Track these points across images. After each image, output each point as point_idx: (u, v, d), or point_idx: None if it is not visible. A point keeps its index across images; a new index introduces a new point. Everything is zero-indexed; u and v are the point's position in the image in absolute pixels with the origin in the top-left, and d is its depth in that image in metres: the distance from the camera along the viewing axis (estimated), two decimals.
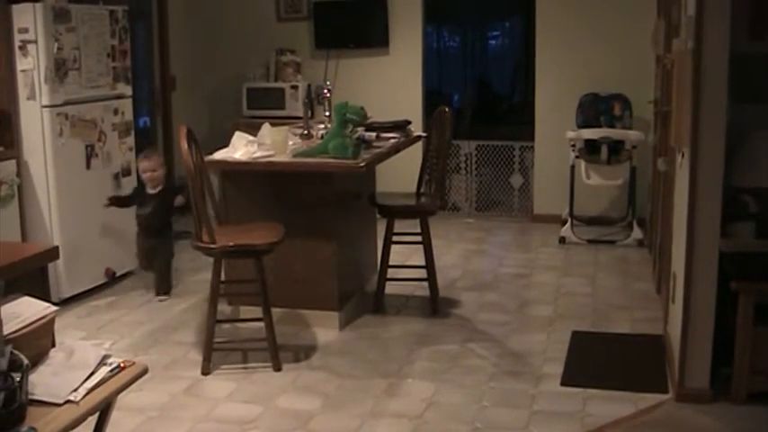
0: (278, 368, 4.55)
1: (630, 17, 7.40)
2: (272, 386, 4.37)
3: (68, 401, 2.61)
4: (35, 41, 5.36)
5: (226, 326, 5.06)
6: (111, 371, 2.85)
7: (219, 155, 5.05)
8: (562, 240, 7.21)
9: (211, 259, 4.54)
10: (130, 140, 6.27)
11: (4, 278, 3.02)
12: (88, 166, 5.80)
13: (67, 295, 5.62)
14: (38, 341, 2.76)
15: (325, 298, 5.14)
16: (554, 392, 4.26)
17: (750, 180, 4.10)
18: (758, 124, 4.14)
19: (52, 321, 2.85)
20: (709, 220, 3.93)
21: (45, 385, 2.63)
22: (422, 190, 5.82)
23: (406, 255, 6.09)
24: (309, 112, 6.04)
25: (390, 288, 5.55)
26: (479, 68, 13.39)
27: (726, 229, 4.01)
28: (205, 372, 4.52)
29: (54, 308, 2.88)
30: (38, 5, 5.34)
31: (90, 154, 5.80)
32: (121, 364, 2.91)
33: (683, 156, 4.23)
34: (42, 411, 2.54)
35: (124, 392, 2.98)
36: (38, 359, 2.74)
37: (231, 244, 4.42)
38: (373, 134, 5.46)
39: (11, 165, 5.45)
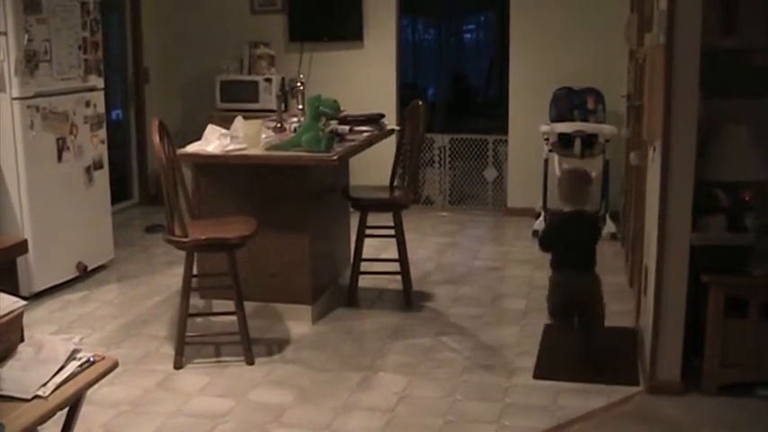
0: (251, 362, 4.54)
1: (604, 11, 7.43)
2: (245, 380, 4.36)
3: (37, 397, 2.60)
4: (5, 33, 5.30)
5: (198, 320, 5.03)
6: (81, 365, 2.84)
7: (192, 148, 5.03)
8: (536, 234, 7.21)
9: (184, 253, 4.52)
10: (102, 133, 6.22)
11: None
12: (59, 159, 5.75)
13: (39, 289, 5.57)
14: (6, 336, 2.74)
15: (298, 291, 5.13)
16: (526, 385, 4.28)
17: (721, 174, 4.12)
18: (729, 119, 4.16)
19: (21, 316, 2.84)
20: (680, 214, 3.96)
21: (13, 380, 2.62)
22: (395, 183, 5.82)
23: (379, 248, 6.08)
24: (283, 106, 6.04)
25: (364, 281, 5.55)
26: (454, 62, 13.39)
27: (697, 222, 4.04)
28: (177, 366, 4.50)
29: (23, 302, 2.86)
30: None
31: (61, 147, 5.75)
32: (92, 359, 2.89)
33: (654, 150, 4.25)
34: (10, 407, 2.52)
35: (96, 387, 2.97)
36: (6, 354, 2.72)
37: (203, 238, 4.40)
38: (347, 127, 5.45)
39: None
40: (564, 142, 7.09)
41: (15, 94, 5.38)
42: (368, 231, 5.43)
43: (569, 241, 4.50)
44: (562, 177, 4.80)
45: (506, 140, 8.07)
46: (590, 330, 4.46)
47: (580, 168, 5.03)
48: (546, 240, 4.68)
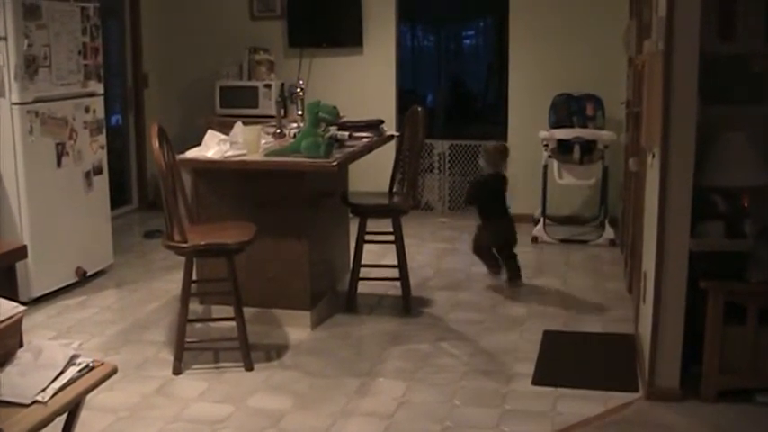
0: (249, 368, 4.54)
1: (603, 18, 7.45)
2: (244, 386, 4.35)
3: (36, 402, 2.60)
4: (5, 38, 5.31)
5: (197, 325, 5.04)
6: (80, 371, 2.84)
7: (191, 153, 5.03)
8: (535, 240, 7.24)
9: (183, 258, 4.52)
10: (102, 139, 6.23)
11: None
12: (59, 165, 5.75)
13: (38, 294, 5.57)
14: (5, 341, 2.74)
15: (297, 297, 5.13)
16: (525, 391, 4.28)
17: (719, 180, 4.12)
18: (727, 125, 4.17)
19: (20, 321, 2.84)
20: (679, 220, 3.96)
21: (12, 386, 2.62)
22: (394, 189, 5.83)
23: (378, 254, 6.08)
24: (282, 111, 6.04)
25: (363, 287, 5.55)
26: (453, 68, 13.40)
27: (695, 228, 4.04)
28: (176, 371, 4.50)
29: (22, 307, 2.86)
30: (8, 1, 5.28)
31: (61, 152, 5.76)
32: (91, 364, 2.89)
33: (653, 156, 4.25)
34: (9, 412, 2.52)
35: (94, 392, 2.97)
36: (5, 359, 2.72)
37: (202, 243, 4.40)
38: (346, 133, 5.46)
39: None
40: (563, 148, 7.11)
41: (15, 99, 5.38)
42: (367, 237, 5.44)
43: (492, 194, 5.92)
44: (488, 150, 6.06)
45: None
46: (511, 256, 6.00)
47: (501, 143, 6.41)
48: (473, 196, 6.14)
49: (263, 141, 5.20)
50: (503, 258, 6.02)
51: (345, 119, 5.65)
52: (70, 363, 2.84)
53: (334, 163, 4.81)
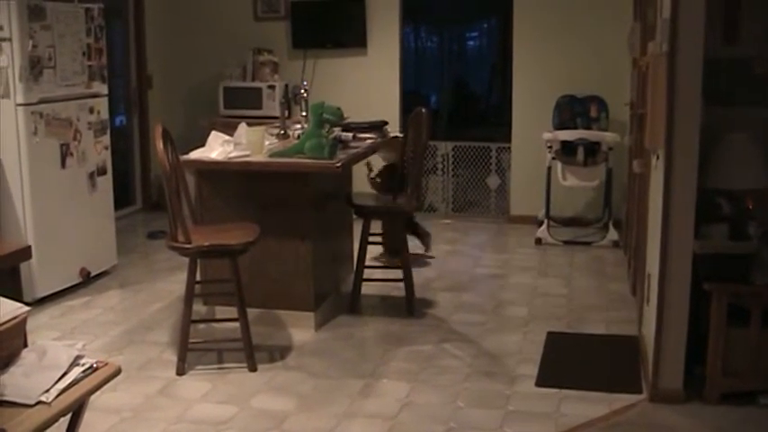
0: (253, 368, 4.54)
1: (608, 19, 7.44)
2: (247, 386, 4.36)
3: (40, 402, 2.60)
4: (9, 39, 5.32)
5: (201, 326, 5.04)
6: (84, 371, 2.85)
7: (195, 154, 5.04)
8: (538, 241, 7.23)
9: (187, 259, 4.53)
10: (106, 139, 6.24)
11: None
12: (63, 165, 5.76)
13: (42, 295, 5.58)
14: (9, 342, 2.75)
15: (300, 298, 5.13)
16: (529, 393, 4.27)
17: (723, 182, 4.13)
18: (731, 127, 4.17)
19: (24, 322, 2.84)
20: (683, 222, 3.95)
21: (16, 386, 2.62)
22: None
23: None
24: (286, 112, 6.05)
25: (366, 288, 5.55)
26: (457, 69, 13.40)
27: (699, 230, 4.04)
28: (180, 372, 4.50)
29: (26, 308, 2.87)
30: (12, 3, 5.29)
31: (65, 153, 5.76)
32: (94, 365, 2.90)
33: (657, 158, 4.26)
34: (13, 412, 2.53)
35: (98, 393, 2.98)
36: (9, 360, 2.73)
37: (206, 244, 4.40)
38: (350, 134, 5.47)
39: None
40: (567, 150, 7.10)
41: (19, 100, 5.39)
42: (371, 238, 5.44)
43: (400, 179, 5.92)
44: (391, 141, 6.10)
45: (509, 148, 8.07)
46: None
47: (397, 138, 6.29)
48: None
49: (266, 142, 5.20)
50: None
51: (349, 120, 5.65)
52: (74, 363, 2.85)
53: (338, 164, 4.81)
